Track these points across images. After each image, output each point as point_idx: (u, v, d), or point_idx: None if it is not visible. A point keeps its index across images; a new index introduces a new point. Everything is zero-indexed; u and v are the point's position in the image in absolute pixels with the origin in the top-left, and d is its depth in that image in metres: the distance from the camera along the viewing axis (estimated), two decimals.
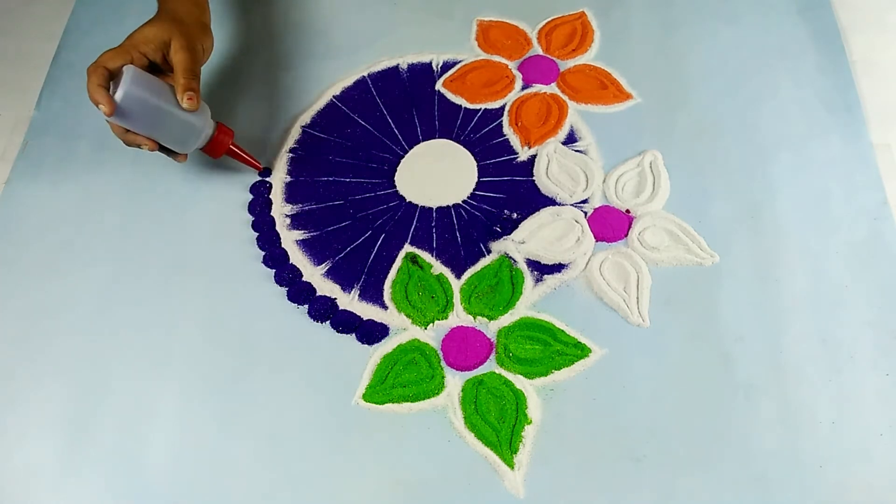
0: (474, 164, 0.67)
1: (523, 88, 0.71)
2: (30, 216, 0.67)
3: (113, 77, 0.57)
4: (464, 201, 0.65)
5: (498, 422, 0.54)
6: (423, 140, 0.69)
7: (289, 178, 0.68)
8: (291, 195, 0.67)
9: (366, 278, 0.62)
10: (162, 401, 0.57)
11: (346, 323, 0.59)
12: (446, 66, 0.74)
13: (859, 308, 0.57)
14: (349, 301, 0.61)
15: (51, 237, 0.65)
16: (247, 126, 0.70)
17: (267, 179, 0.67)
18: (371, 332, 0.59)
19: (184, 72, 0.58)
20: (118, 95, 0.56)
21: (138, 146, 0.60)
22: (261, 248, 0.64)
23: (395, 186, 0.67)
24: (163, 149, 0.61)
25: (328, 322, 0.60)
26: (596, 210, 0.63)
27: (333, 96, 0.73)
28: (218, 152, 0.64)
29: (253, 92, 0.73)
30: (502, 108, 0.70)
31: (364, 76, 0.74)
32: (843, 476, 0.51)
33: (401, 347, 0.58)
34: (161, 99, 0.58)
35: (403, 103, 0.72)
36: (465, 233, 0.63)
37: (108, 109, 0.55)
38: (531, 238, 0.62)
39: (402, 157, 0.68)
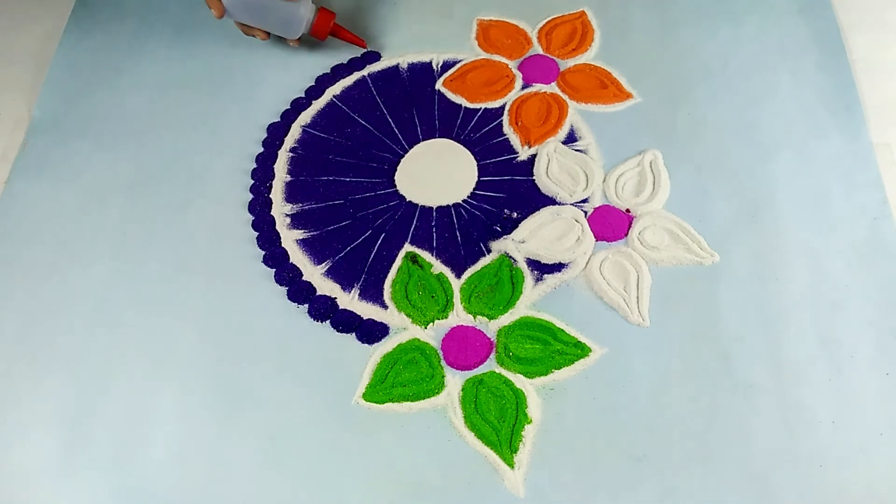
0: (474, 163, 0.67)
1: (523, 88, 0.71)
2: (30, 216, 0.67)
3: None
4: (464, 201, 0.65)
5: (498, 421, 0.54)
6: (423, 139, 0.69)
7: (289, 178, 0.68)
8: (291, 195, 0.67)
9: (366, 278, 0.62)
10: (162, 400, 0.57)
11: (346, 322, 0.59)
12: (446, 66, 0.74)
13: (859, 308, 0.57)
14: (349, 300, 0.61)
15: (51, 237, 0.65)
16: None
17: (268, 185, 0.68)
18: (371, 332, 0.59)
19: None
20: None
21: (254, 36, 0.71)
22: (261, 247, 0.64)
23: (395, 186, 0.67)
24: (275, 36, 0.72)
25: (328, 321, 0.60)
26: (596, 209, 0.63)
27: (333, 96, 0.73)
28: (323, 34, 0.72)
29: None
30: (502, 107, 0.70)
31: (364, 76, 0.74)
32: (843, 476, 0.51)
33: (401, 347, 0.58)
34: None
35: (403, 103, 0.71)
36: (465, 232, 0.63)
37: (217, 13, 0.67)
38: (531, 237, 0.62)
39: (402, 156, 0.68)
